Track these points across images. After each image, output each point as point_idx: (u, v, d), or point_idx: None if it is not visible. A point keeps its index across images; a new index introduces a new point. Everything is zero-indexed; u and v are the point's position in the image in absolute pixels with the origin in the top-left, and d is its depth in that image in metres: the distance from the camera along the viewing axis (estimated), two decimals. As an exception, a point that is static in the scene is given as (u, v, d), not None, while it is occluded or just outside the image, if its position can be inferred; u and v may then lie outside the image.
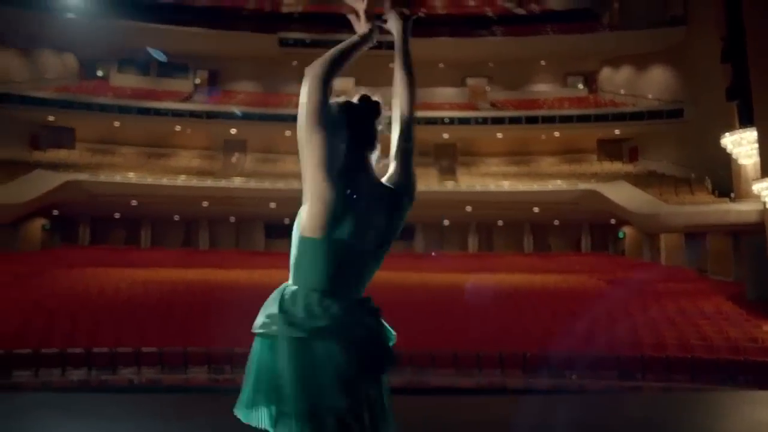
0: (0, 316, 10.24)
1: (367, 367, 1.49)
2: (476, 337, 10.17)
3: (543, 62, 26.09)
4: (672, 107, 21.96)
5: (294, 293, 1.52)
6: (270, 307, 1.53)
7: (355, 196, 1.53)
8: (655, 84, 23.53)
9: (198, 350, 9.59)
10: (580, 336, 10.37)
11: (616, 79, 25.15)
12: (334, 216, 1.51)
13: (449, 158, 25.31)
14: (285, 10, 27.09)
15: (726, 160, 18.34)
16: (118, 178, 21.52)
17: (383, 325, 1.60)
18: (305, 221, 1.55)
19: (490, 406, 6.35)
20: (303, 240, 1.55)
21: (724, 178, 18.93)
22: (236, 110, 23.07)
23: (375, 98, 1.74)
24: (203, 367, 9.64)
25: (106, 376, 9.21)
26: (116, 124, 23.07)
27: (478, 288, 13.05)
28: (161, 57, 22.63)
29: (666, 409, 5.80)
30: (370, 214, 1.55)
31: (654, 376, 9.39)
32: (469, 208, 21.92)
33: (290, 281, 1.57)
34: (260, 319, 1.53)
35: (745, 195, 17.37)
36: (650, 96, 23.36)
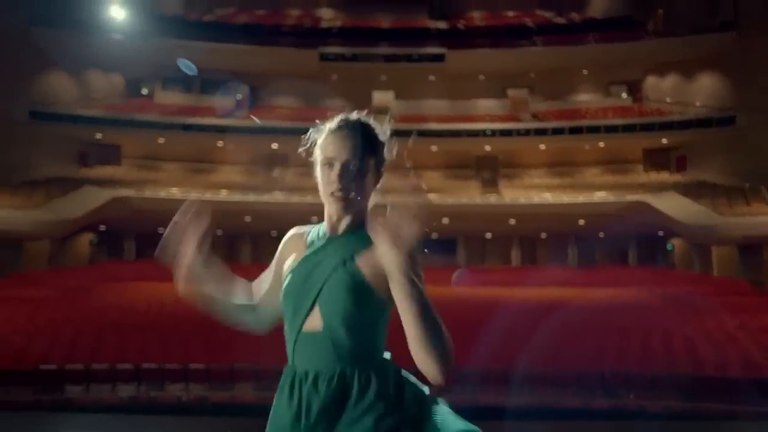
0: (52, 332, 10.37)
1: None
2: (525, 354, 9.87)
3: (585, 72, 25.65)
4: (723, 114, 21.24)
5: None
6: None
7: None
8: (703, 91, 22.85)
9: (245, 366, 9.52)
10: (635, 354, 9.98)
11: (661, 87, 24.54)
12: None
13: (491, 170, 25.00)
14: (324, 25, 27.26)
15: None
16: (162, 193, 21.86)
17: None
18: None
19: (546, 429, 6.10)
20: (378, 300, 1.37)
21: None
22: (277, 125, 23.25)
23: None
24: (250, 383, 9.56)
25: (154, 392, 9.21)
26: (160, 140, 23.49)
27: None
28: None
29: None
30: None
31: (717, 398, 8.93)
32: (512, 221, 21.56)
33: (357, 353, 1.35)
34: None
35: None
36: (698, 104, 22.70)
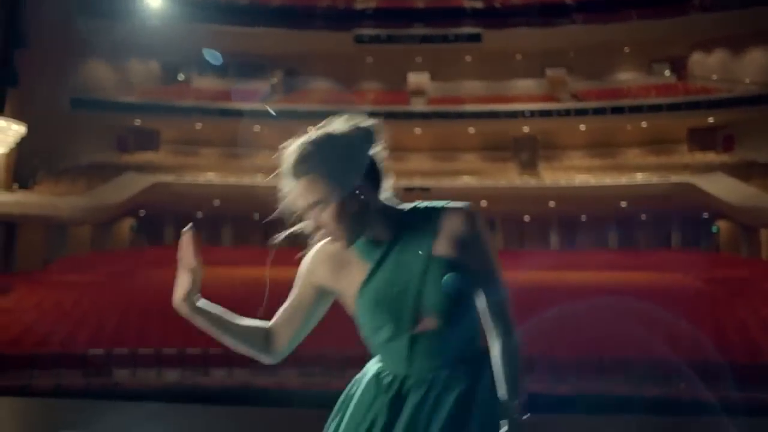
0: (98, 316, 10.55)
1: None
2: (571, 340, 9.66)
3: (627, 49, 24.90)
4: (774, 91, 20.41)
5: None
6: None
7: None
8: (752, 67, 21.97)
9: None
10: (684, 341, 9.69)
11: (707, 64, 23.68)
12: None
13: (530, 152, 24.56)
14: (359, 6, 26.97)
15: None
16: (201, 179, 22.07)
17: None
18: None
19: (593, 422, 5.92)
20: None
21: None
22: (312, 108, 23.20)
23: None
24: (293, 369, 9.56)
25: (199, 377, 9.29)
26: (198, 125, 23.65)
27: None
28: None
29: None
30: None
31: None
32: (552, 204, 21.17)
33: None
34: None
35: None
36: (747, 80, 21.84)
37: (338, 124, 1.30)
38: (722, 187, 18.74)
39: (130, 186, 20.55)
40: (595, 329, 10.37)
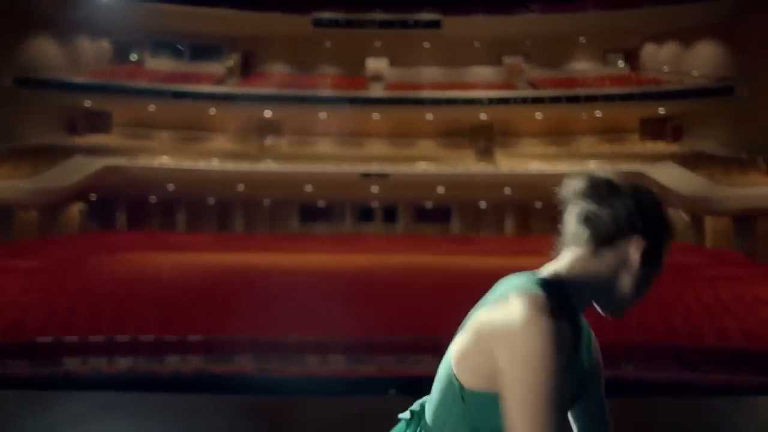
0: (47, 303, 10.24)
1: None
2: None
3: (582, 39, 25.33)
4: (722, 84, 21.06)
5: None
6: None
7: None
8: (701, 60, 22.63)
9: (244, 338, 9.44)
10: (633, 325, 9.98)
11: (659, 56, 24.29)
12: None
13: (486, 139, 24.81)
14: (318, -11, 26.65)
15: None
16: (155, 162, 21.58)
17: None
18: None
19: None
20: None
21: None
22: (270, 92, 22.89)
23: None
24: (249, 355, 9.49)
25: (153, 364, 9.13)
26: (151, 107, 23.08)
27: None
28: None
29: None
30: None
31: (716, 368, 8.97)
32: (508, 190, 21.48)
33: None
34: None
35: (802, 176, 16.66)
36: (695, 73, 22.50)
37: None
38: (671, 176, 19.32)
39: (79, 169, 19.93)
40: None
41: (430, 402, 1.10)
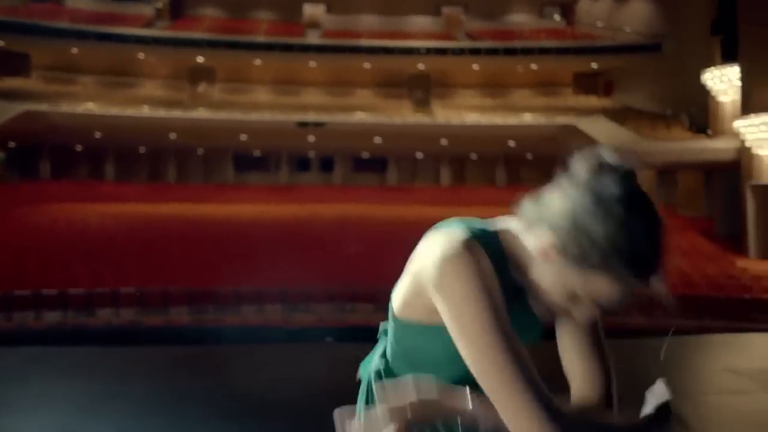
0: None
1: None
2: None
3: (520, -9, 25.40)
4: (651, 41, 21.64)
5: None
6: None
7: None
8: (634, 17, 23.12)
9: (179, 290, 9.32)
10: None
11: (594, 11, 24.64)
12: None
13: (423, 90, 24.77)
14: (251, -72, 25.50)
15: (704, 96, 18.30)
16: (80, 109, 20.53)
17: None
18: None
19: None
20: None
21: (701, 115, 18.96)
22: (203, 37, 21.99)
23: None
24: (184, 307, 9.40)
25: (83, 318, 8.92)
26: (74, 50, 21.78)
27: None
28: None
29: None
30: None
31: (638, 313, 9.51)
32: (444, 142, 21.65)
33: None
34: None
35: (722, 132, 17.46)
36: (628, 29, 23.00)
37: None
38: (600, 129, 19.90)
39: (-4, 114, 18.77)
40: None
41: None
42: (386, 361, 1.10)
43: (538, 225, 0.92)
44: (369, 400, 1.08)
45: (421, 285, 0.95)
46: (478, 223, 0.99)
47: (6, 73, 22.29)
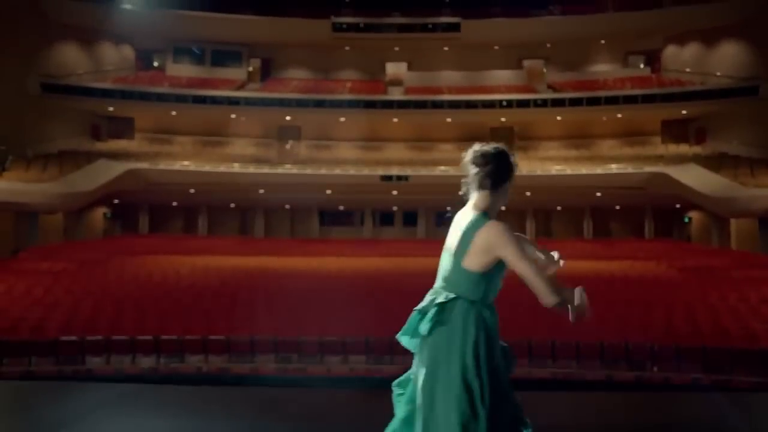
0: (72, 303, 10.36)
1: None
2: (549, 325, 9.76)
3: (602, 41, 25.14)
4: (746, 84, 20.70)
5: None
6: None
7: None
8: (724, 61, 22.30)
9: (265, 338, 9.46)
10: (658, 326, 9.84)
11: (681, 57, 24.00)
12: None
13: (506, 142, 24.54)
14: (337, -6, 26.78)
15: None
16: (176, 166, 21.80)
17: None
18: None
19: (570, 400, 5.97)
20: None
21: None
22: (290, 96, 23.02)
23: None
24: (270, 355, 9.51)
25: (174, 363, 9.18)
26: (173, 113, 23.34)
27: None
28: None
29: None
30: None
31: (744, 370, 8.80)
32: (528, 193, 21.33)
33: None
34: None
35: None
36: (718, 73, 22.18)
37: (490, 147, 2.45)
38: (694, 177, 19.04)
39: (103, 173, 20.20)
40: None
41: (446, 281, 2.39)
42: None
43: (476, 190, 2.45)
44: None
45: (490, 248, 2.28)
46: (477, 210, 2.43)
47: (113, 136, 24.13)
